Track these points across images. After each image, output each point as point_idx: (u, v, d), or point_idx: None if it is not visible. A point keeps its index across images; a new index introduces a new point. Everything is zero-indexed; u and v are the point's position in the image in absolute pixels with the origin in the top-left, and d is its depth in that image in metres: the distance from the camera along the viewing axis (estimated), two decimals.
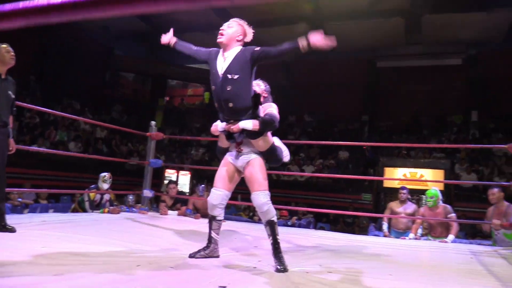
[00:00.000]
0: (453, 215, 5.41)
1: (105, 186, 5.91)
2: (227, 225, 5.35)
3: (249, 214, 8.69)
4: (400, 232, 5.87)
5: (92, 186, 6.00)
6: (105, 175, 5.92)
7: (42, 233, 3.44)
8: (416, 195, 12.76)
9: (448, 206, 5.56)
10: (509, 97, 14.04)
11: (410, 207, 6.03)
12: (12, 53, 3.38)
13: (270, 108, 3.00)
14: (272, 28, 14.25)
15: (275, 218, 2.81)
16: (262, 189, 2.83)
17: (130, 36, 16.58)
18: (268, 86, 3.26)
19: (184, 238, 3.94)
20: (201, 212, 6.01)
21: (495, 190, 5.09)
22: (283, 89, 17.25)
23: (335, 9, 12.91)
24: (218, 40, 2.82)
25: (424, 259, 3.63)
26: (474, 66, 14.93)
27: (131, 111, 16.87)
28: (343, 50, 15.82)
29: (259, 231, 4.45)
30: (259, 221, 7.55)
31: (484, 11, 12.22)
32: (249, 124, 2.77)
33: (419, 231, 5.70)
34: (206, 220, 5.47)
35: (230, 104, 2.75)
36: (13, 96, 3.45)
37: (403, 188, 6.20)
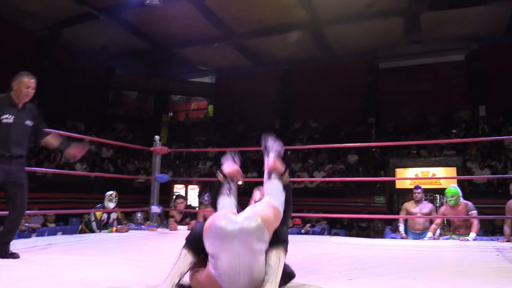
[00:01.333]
0: (474, 212, 5.21)
1: (111, 205, 5.79)
2: None
3: None
4: (418, 233, 5.68)
5: (98, 205, 5.87)
6: (111, 193, 5.80)
7: (47, 257, 3.31)
8: (430, 194, 12.52)
9: (469, 203, 5.36)
10: None
11: (426, 206, 5.84)
12: (31, 90, 3.32)
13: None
14: (272, 36, 14.22)
15: None
16: None
17: (130, 54, 16.59)
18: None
19: None
20: None
21: None
22: (285, 96, 17.18)
23: (332, 13, 12.81)
24: None
25: (449, 259, 3.45)
26: (477, 61, 14.73)
27: (135, 129, 16.83)
28: (344, 54, 15.76)
29: None
30: None
31: (482, 4, 12.08)
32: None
33: (438, 230, 5.51)
34: None
35: None
36: (31, 125, 3.37)
37: (417, 187, 6.01)
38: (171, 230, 5.68)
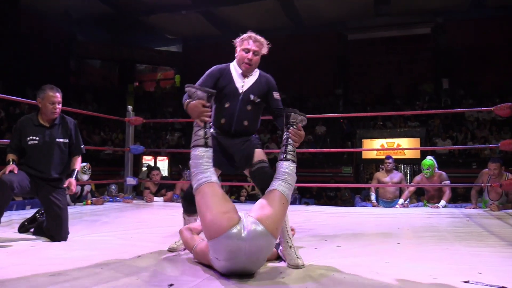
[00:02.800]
0: (448, 181, 5.43)
1: (85, 177, 5.63)
2: None
3: (235, 195, 8.57)
4: (388, 201, 5.89)
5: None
6: (84, 165, 5.63)
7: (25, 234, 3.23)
8: (394, 164, 12.95)
9: (443, 173, 5.56)
10: (477, 64, 14.34)
11: (396, 176, 6.06)
12: (58, 106, 3.03)
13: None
14: (242, 5, 13.95)
15: None
16: None
17: (93, 20, 15.85)
18: None
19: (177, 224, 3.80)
20: None
21: (497, 164, 4.85)
22: None
23: None
24: (245, 69, 2.63)
25: (425, 225, 3.62)
26: (442, 34, 15.09)
27: (100, 99, 16.29)
28: (313, 24, 15.70)
29: None
30: (245, 201, 7.48)
31: None
32: None
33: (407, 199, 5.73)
34: None
35: (245, 123, 2.58)
36: (66, 141, 3.11)
37: (388, 157, 6.19)
38: (147, 201, 5.64)
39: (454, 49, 14.62)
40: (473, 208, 4.88)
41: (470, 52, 14.30)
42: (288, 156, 2.30)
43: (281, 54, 16.63)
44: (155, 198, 5.81)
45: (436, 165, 5.49)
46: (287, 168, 2.25)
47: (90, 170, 5.66)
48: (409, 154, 12.31)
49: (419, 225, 3.62)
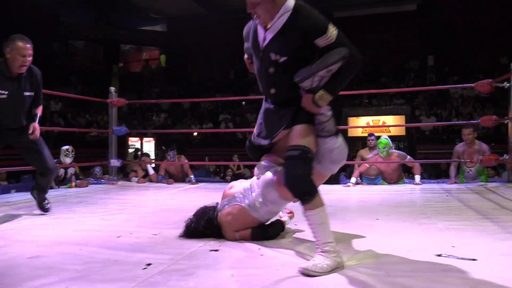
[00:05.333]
0: (409, 157, 5.46)
1: (68, 160, 5.60)
2: (203, 187, 5.26)
3: (221, 175, 8.60)
4: (372, 178, 5.89)
5: (54, 160, 5.67)
6: (67, 148, 5.60)
7: (10, 215, 3.22)
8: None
9: (402, 152, 5.57)
10: (462, 41, 14.39)
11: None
12: (28, 57, 2.93)
13: None
14: None
15: None
16: None
17: (76, 1, 15.48)
18: None
19: (160, 205, 3.81)
20: (174, 177, 5.86)
21: (470, 130, 5.08)
22: (240, 46, 16.87)
23: None
24: (254, 17, 1.97)
25: (405, 201, 3.69)
26: (428, 11, 15.06)
27: (85, 80, 16.05)
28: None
29: None
30: (231, 180, 7.50)
31: None
32: None
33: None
34: (180, 185, 5.38)
35: (272, 91, 2.03)
36: (31, 94, 3.08)
37: (370, 134, 6.21)
38: (138, 182, 5.67)
39: (440, 26, 14.63)
40: (453, 183, 4.97)
41: (455, 29, 14.33)
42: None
43: None
44: (132, 178, 5.88)
45: (392, 145, 5.40)
46: None
47: (73, 152, 5.62)
48: (394, 131, 12.42)
49: (399, 201, 3.69)
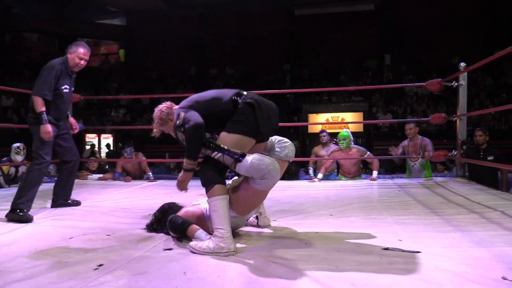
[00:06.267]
0: (369, 153, 5.63)
1: (19, 158, 5.39)
2: (161, 184, 5.20)
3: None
4: (326, 174, 5.84)
5: (4, 159, 5.45)
6: (18, 145, 5.39)
7: None
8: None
9: (362, 148, 5.69)
10: (418, 41, 14.91)
11: (332, 148, 5.97)
12: (84, 62, 3.37)
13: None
14: None
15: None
16: None
17: None
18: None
19: (115, 203, 3.74)
20: (131, 174, 5.76)
21: (412, 125, 5.41)
22: (202, 42, 16.76)
23: None
24: None
25: (359, 196, 3.80)
26: (386, 11, 15.51)
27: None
28: (262, 0, 15.62)
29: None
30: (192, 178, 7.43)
31: None
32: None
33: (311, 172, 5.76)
34: (138, 183, 5.29)
35: None
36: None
37: (322, 131, 6.29)
38: (126, 181, 5.43)
39: (397, 26, 15.10)
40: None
41: (411, 29, 14.83)
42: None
43: (229, 29, 16.50)
44: (89, 176, 5.72)
45: (352, 138, 5.52)
46: None
47: (24, 150, 5.43)
48: (353, 128, 12.70)
49: (354, 196, 3.79)
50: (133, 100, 14.92)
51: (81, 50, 3.32)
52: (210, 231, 2.34)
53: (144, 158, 5.90)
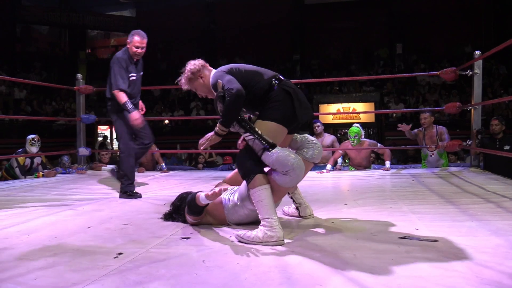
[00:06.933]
0: (380, 144, 5.56)
1: (34, 149, 5.44)
2: (174, 174, 5.23)
3: (192, 163, 8.55)
4: (320, 166, 5.69)
5: (19, 150, 5.51)
6: (33, 137, 5.43)
7: None
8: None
9: (372, 141, 5.62)
10: (429, 30, 14.71)
11: (328, 139, 5.88)
12: (141, 50, 3.55)
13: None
14: None
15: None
16: None
17: None
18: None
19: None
20: (144, 165, 5.80)
21: (427, 114, 5.37)
22: (211, 33, 16.71)
23: None
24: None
25: (373, 186, 3.79)
26: (397, 0, 15.29)
27: (50, 67, 15.53)
28: None
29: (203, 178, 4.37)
30: (203, 169, 7.48)
31: None
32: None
33: (339, 160, 5.62)
34: (151, 173, 5.33)
35: None
36: (141, 74, 3.78)
37: (315, 121, 6.00)
38: (139, 172, 5.43)
39: (408, 14, 14.89)
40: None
41: (422, 17, 14.62)
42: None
43: (238, 19, 16.42)
44: (103, 167, 5.74)
45: (363, 133, 5.39)
46: None
47: (39, 142, 5.48)
48: (364, 118, 12.65)
49: (367, 186, 3.78)
50: (143, 91, 14.92)
51: (136, 38, 3.51)
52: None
53: (157, 149, 5.94)
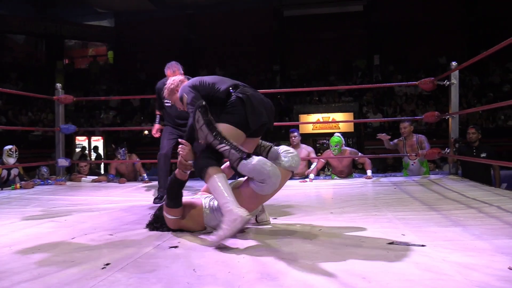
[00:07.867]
0: (360, 154, 5.65)
1: (11, 160, 5.31)
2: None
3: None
4: (296, 178, 5.37)
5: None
6: (10, 147, 5.30)
7: None
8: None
9: (353, 149, 5.66)
10: (405, 41, 15.07)
11: (304, 151, 5.69)
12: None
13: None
14: None
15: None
16: None
17: None
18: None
19: (112, 204, 3.72)
20: (125, 176, 5.72)
21: (407, 123, 5.46)
22: (191, 43, 16.71)
23: None
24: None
25: (357, 194, 3.83)
26: (374, 12, 15.64)
27: (26, 77, 15.21)
28: (248, 0, 15.64)
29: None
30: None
31: None
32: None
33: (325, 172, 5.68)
34: (132, 184, 5.26)
35: None
36: None
37: (293, 131, 5.80)
38: (120, 183, 5.37)
39: (385, 26, 15.23)
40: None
41: (399, 29, 14.98)
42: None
43: (218, 30, 16.48)
44: (83, 178, 5.67)
45: (344, 142, 5.41)
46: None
47: (16, 152, 5.34)
48: (343, 128, 12.80)
49: (350, 194, 3.82)
50: (123, 101, 14.82)
51: (166, 71, 3.94)
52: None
53: (137, 160, 5.87)
